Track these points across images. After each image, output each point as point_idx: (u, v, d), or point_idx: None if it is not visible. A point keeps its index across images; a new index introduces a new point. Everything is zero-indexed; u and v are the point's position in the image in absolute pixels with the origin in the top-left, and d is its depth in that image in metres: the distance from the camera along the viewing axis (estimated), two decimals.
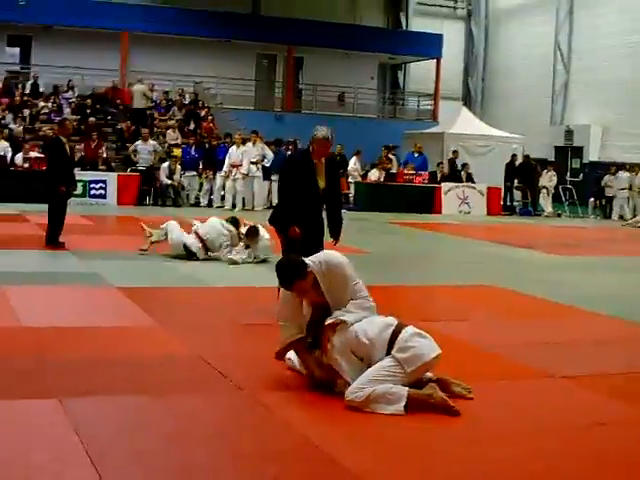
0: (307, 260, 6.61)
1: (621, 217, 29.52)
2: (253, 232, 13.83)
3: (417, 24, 44.47)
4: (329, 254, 6.77)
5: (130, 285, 10.93)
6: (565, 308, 10.97)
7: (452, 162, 29.72)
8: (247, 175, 25.25)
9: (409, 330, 6.33)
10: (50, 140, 16.58)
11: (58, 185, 14.36)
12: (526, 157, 30.76)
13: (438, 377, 6.40)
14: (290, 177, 9.18)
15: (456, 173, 29.27)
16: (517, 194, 30.60)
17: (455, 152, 30.14)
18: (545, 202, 30.16)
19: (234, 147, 25.46)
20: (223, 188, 25.67)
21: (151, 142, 26.64)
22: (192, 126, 31.78)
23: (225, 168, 25.34)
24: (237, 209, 24.73)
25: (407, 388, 6.08)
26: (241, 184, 25.30)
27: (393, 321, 6.46)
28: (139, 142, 26.26)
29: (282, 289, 6.73)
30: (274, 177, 25.50)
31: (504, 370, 7.61)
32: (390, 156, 30.68)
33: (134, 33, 36.52)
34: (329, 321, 6.49)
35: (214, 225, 13.95)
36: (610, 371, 7.71)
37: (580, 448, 5.67)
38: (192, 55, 37.53)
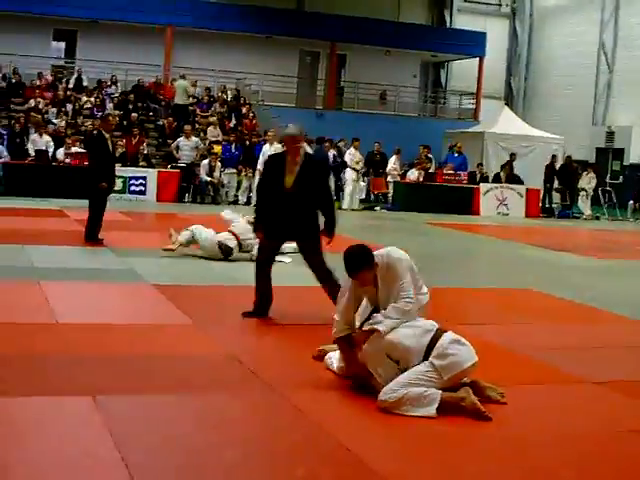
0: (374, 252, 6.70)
1: None
2: None
3: (461, 22, 44.37)
4: (392, 249, 6.86)
5: (166, 283, 11.02)
6: (600, 312, 10.95)
7: (510, 165, 29.52)
8: None
9: (448, 336, 6.35)
10: (92, 135, 16.72)
11: (99, 181, 14.46)
12: (568, 158, 30.60)
13: (472, 380, 6.43)
14: (262, 176, 9.23)
15: (514, 177, 29.18)
16: (556, 196, 30.43)
17: (513, 155, 30.02)
18: (584, 205, 29.99)
19: (267, 145, 25.26)
20: None
21: (193, 139, 26.74)
22: (233, 123, 31.89)
23: (259, 166, 25.20)
24: None
25: (440, 391, 6.11)
26: None
27: (433, 326, 6.49)
28: (181, 139, 26.38)
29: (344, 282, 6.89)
30: None
31: (536, 374, 7.59)
32: (429, 155, 30.62)
33: (178, 28, 36.68)
34: (365, 327, 6.57)
35: (246, 225, 13.99)
36: None
37: (613, 455, 5.65)
38: (234, 51, 37.66)
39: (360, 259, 6.63)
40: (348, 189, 26.77)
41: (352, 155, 27.31)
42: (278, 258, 13.56)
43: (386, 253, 6.76)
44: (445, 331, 6.44)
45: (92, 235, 14.46)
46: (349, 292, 6.76)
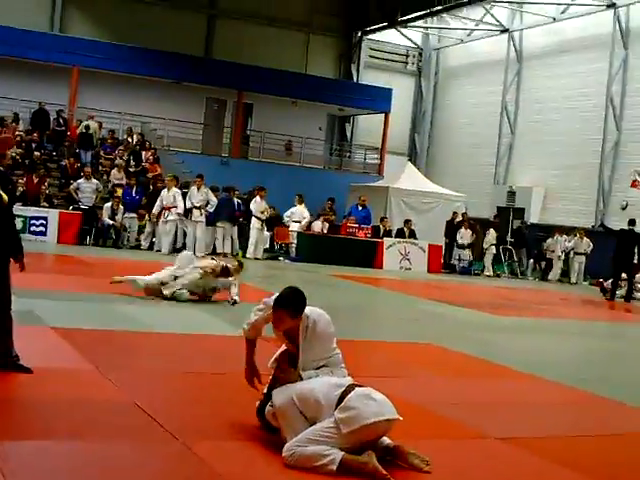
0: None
1: (560, 280, 30.11)
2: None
3: (368, 77, 44.93)
4: (322, 313, 6.70)
5: (68, 326, 10.78)
6: (498, 368, 11.06)
7: (452, 222, 30.03)
8: (179, 215, 25.05)
9: (359, 391, 6.14)
10: None
11: None
12: (464, 215, 31.18)
13: (395, 445, 6.23)
14: None
15: (454, 233, 29.63)
16: (457, 252, 30.81)
17: (455, 213, 30.44)
18: (488, 262, 30.58)
19: (165, 190, 25.32)
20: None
21: (94, 181, 26.53)
22: (135, 167, 31.59)
23: (154, 210, 25.09)
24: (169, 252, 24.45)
25: (342, 453, 5.90)
26: (173, 226, 25.14)
27: (347, 381, 6.37)
28: (81, 180, 26.12)
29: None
30: (219, 224, 25.69)
31: (438, 429, 7.60)
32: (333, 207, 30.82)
33: (84, 69, 36.31)
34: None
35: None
36: (543, 434, 7.75)
37: None
38: (141, 95, 37.52)
39: (295, 300, 6.51)
40: (252, 238, 26.68)
41: (257, 204, 27.21)
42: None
43: (318, 314, 6.64)
44: (360, 386, 6.26)
45: None
46: (266, 314, 6.69)
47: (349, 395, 6.10)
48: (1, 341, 8.13)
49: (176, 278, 14.38)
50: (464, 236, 30.23)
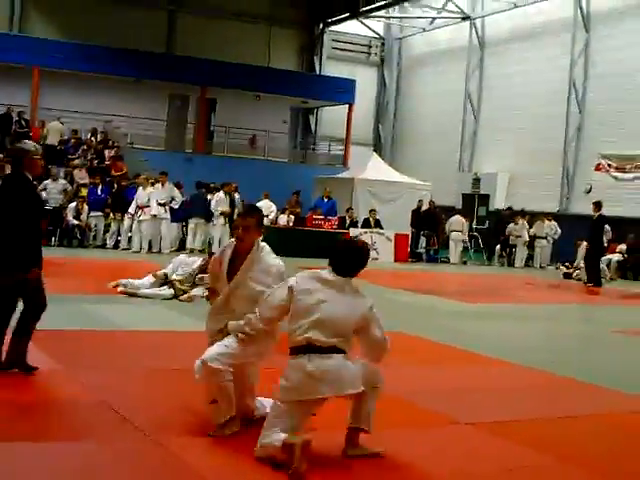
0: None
1: (527, 265, 30.31)
2: None
3: (330, 69, 44.92)
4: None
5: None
6: (468, 354, 11.16)
7: (418, 211, 30.35)
8: (155, 217, 25.02)
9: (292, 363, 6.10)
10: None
11: None
12: (432, 203, 31.26)
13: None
14: None
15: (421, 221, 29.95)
16: (423, 240, 30.90)
17: (421, 201, 30.56)
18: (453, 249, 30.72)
19: (140, 188, 25.32)
20: (130, 230, 25.39)
21: (61, 181, 26.40)
22: (100, 165, 31.40)
23: (131, 210, 25.10)
24: (144, 251, 24.57)
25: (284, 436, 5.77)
26: (148, 226, 25.05)
27: None
28: (48, 181, 25.94)
29: None
30: (192, 220, 25.68)
31: (410, 417, 7.68)
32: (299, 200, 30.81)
33: (45, 69, 36.09)
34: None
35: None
36: (512, 417, 7.86)
37: None
38: (103, 93, 37.28)
39: (254, 208, 7.10)
40: (217, 234, 26.39)
41: (220, 200, 26.95)
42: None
43: (276, 261, 6.78)
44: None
45: None
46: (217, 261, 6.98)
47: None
48: (23, 343, 8.19)
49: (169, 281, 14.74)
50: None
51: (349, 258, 6.32)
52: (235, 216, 26.71)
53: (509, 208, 33.54)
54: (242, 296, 6.65)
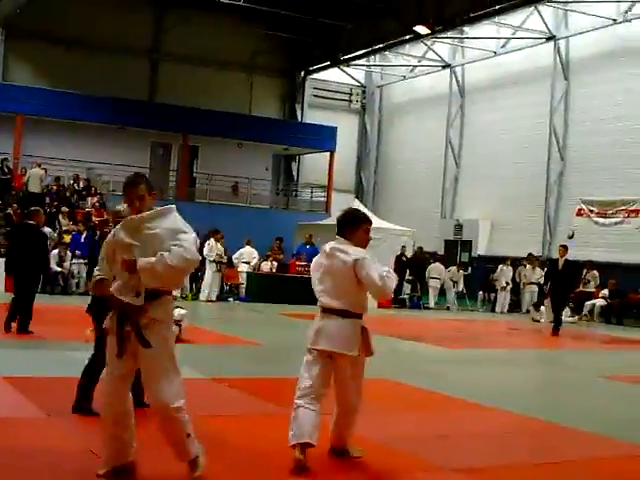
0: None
1: (509, 311, 30.37)
2: None
3: (312, 116, 45.22)
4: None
5: (17, 374, 10.68)
6: (451, 400, 11.12)
7: (401, 257, 30.52)
8: None
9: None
10: None
11: None
12: (419, 249, 31.36)
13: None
14: None
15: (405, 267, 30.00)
16: (407, 287, 30.96)
17: (404, 247, 30.62)
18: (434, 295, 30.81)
19: None
20: None
21: (46, 229, 26.33)
22: (83, 213, 31.40)
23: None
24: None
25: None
26: None
27: None
28: None
29: None
30: None
31: (395, 463, 7.63)
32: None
33: (28, 117, 36.17)
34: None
35: None
36: (495, 463, 7.82)
37: None
38: (86, 141, 37.41)
39: (138, 175, 6.68)
40: (207, 280, 26.33)
41: (211, 247, 26.79)
42: None
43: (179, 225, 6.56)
44: None
45: None
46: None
47: None
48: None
49: None
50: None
51: (341, 219, 7.84)
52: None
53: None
54: None
